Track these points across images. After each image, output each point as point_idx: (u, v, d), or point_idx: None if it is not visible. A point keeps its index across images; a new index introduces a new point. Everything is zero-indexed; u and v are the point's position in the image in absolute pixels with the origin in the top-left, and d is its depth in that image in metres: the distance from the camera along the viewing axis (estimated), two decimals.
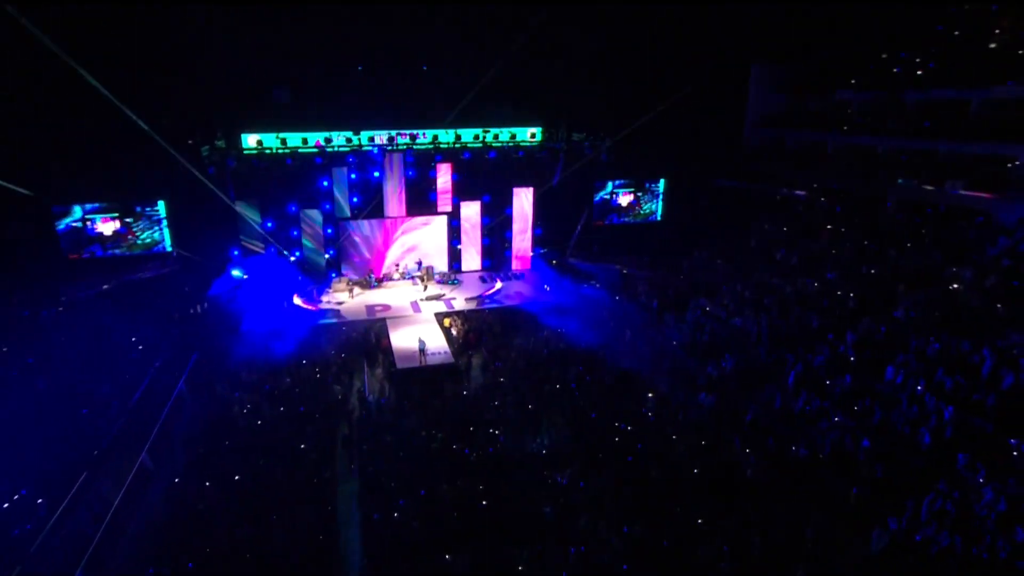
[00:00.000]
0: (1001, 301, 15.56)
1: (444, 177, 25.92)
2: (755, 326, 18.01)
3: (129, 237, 22.81)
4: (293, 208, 24.51)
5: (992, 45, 23.37)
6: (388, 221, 26.07)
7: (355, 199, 25.33)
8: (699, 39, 26.86)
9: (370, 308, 23.15)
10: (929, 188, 22.40)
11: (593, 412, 15.72)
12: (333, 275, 25.73)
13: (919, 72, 25.18)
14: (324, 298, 24.13)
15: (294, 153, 23.69)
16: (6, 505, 11.36)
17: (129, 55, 20.37)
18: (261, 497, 12.50)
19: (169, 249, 23.34)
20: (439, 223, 26.65)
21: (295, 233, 24.91)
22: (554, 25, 22.80)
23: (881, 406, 13.52)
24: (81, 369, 16.45)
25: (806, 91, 30.19)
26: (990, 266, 17.19)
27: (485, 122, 25.18)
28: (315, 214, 24.93)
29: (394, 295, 24.61)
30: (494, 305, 23.56)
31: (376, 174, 24.94)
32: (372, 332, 21.33)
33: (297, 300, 23.25)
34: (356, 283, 25.10)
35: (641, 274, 24.58)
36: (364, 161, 24.62)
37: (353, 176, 24.88)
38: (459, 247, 27.23)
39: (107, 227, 22.44)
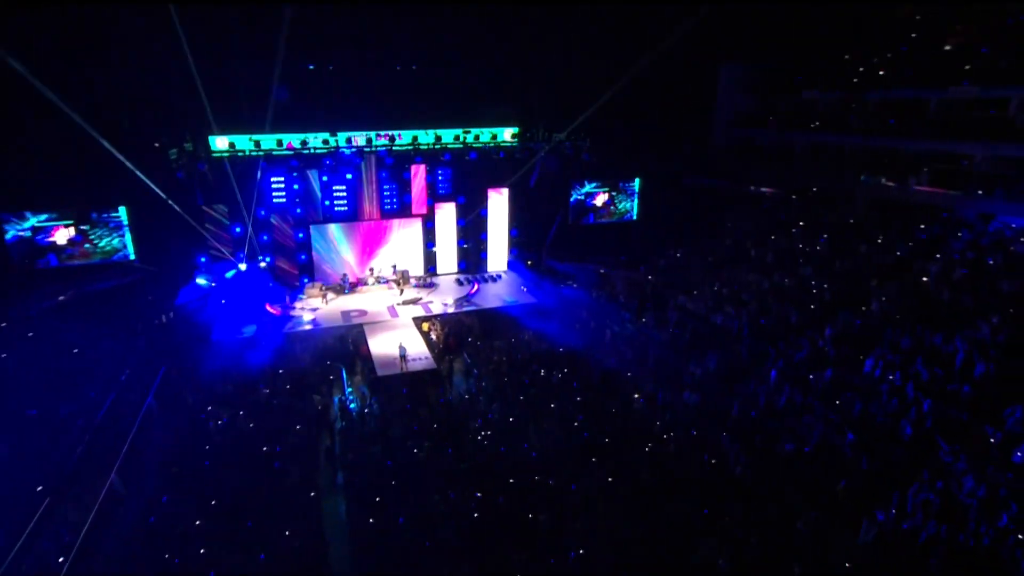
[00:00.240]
0: (968, 293, 16.18)
1: (419, 179, 25.51)
2: (735, 323, 18.27)
3: (86, 245, 21.60)
4: (263, 212, 23.68)
5: (947, 47, 24.41)
6: (362, 224, 25.49)
7: (328, 202, 24.67)
8: (669, 40, 27.17)
9: (345, 314, 22.54)
10: (891, 184, 23.26)
11: (580, 414, 15.64)
12: (305, 280, 25.01)
13: (881, 72, 26.08)
14: (297, 304, 23.39)
15: (268, 155, 22.87)
16: None
17: (85, 55, 19.27)
18: (242, 518, 11.92)
19: (132, 257, 22.24)
20: (414, 226, 26.21)
21: (265, 238, 24.08)
22: (529, 25, 22.69)
23: (861, 399, 13.87)
24: (38, 388, 15.43)
25: (774, 92, 30.92)
26: (957, 260, 17.86)
27: (463, 122, 24.81)
28: (287, 218, 24.15)
29: (369, 300, 24.03)
30: (473, 308, 23.28)
31: (348, 176, 24.34)
32: (349, 339, 20.78)
33: (269, 307, 22.47)
34: (330, 288, 24.42)
35: (618, 273, 24.70)
36: (339, 164, 23.99)
37: (325, 179, 24.23)
38: (434, 250, 26.84)
39: (60, 235, 21.18)
